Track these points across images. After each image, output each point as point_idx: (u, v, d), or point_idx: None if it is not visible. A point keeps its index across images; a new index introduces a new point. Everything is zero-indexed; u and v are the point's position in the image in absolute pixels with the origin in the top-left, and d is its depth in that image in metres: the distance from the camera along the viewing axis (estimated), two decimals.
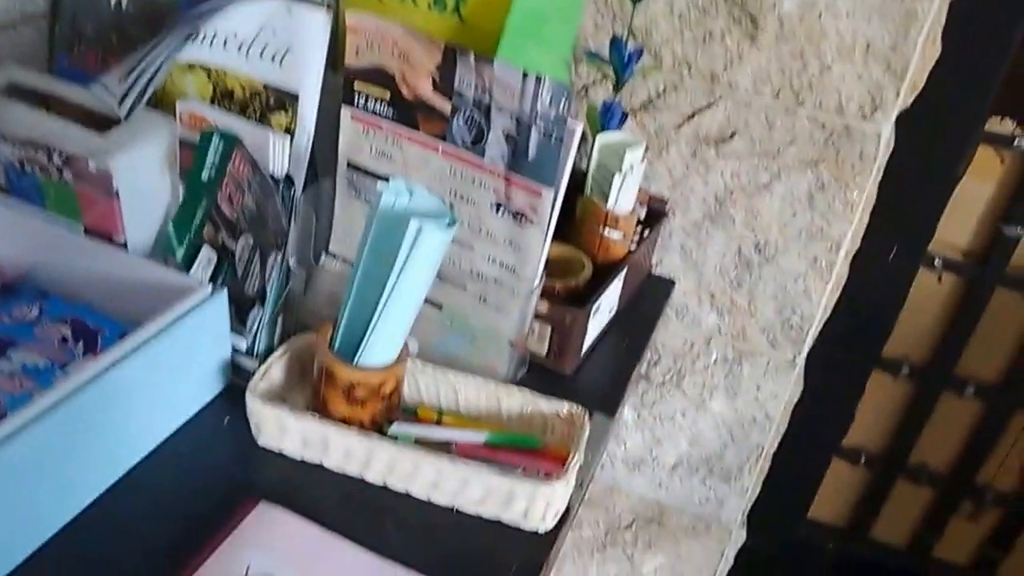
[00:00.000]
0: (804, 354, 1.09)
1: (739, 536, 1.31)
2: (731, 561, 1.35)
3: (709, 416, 1.17)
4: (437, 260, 0.64)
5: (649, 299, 1.03)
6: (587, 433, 0.68)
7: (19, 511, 0.56)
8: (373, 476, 0.67)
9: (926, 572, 1.42)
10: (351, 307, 0.66)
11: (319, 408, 0.69)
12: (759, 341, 1.09)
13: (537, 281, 0.74)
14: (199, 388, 0.71)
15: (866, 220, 1.01)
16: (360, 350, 0.66)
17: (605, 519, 1.34)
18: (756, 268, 1.04)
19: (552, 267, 0.79)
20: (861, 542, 1.45)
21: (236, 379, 0.74)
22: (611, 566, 1.38)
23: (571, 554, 1.39)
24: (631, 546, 1.34)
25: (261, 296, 0.72)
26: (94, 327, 0.70)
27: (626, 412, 1.22)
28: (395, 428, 0.70)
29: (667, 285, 1.07)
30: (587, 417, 0.70)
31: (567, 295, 0.83)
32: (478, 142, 0.71)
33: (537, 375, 0.80)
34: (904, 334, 1.20)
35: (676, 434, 1.21)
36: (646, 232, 0.98)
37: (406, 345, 0.69)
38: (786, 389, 1.12)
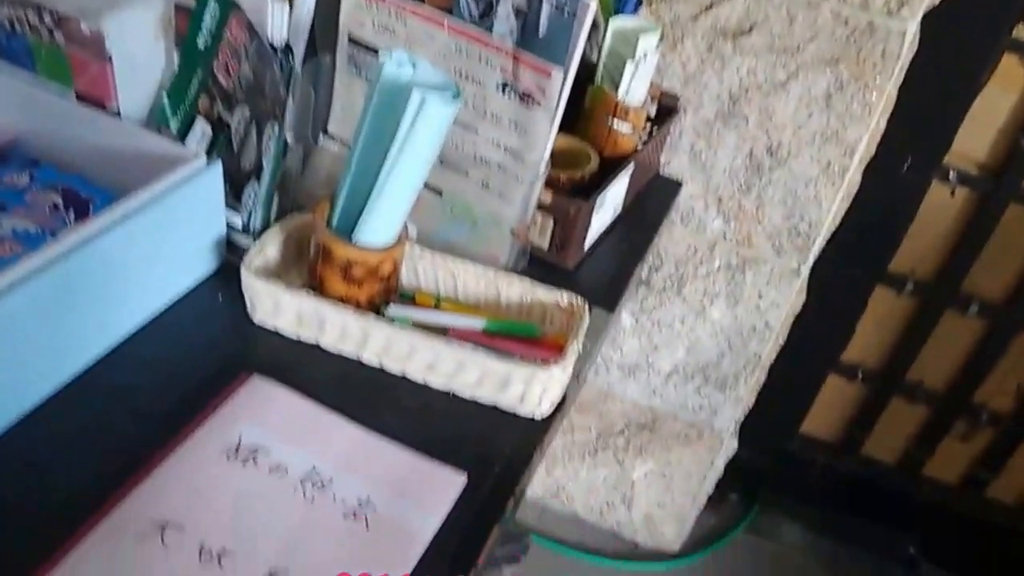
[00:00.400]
0: (809, 263, 1.10)
1: (730, 446, 1.35)
2: (720, 470, 1.39)
3: (708, 324, 1.19)
4: (440, 136, 0.64)
5: (655, 200, 1.03)
6: (586, 323, 0.70)
7: (9, 373, 0.57)
8: (369, 357, 0.69)
9: (915, 490, 1.47)
10: (350, 183, 0.67)
11: (316, 287, 0.70)
12: (764, 248, 1.10)
13: (543, 167, 0.74)
14: (193, 263, 0.72)
15: (883, 126, 1.00)
16: (358, 227, 0.66)
17: (597, 424, 1.38)
18: (766, 172, 1.04)
19: (557, 159, 0.79)
20: (851, 458, 1.49)
21: (231, 257, 0.75)
22: (601, 471, 1.43)
23: (562, 458, 1.44)
24: (622, 451, 1.39)
25: (257, 171, 0.72)
26: (85, 196, 0.71)
27: (624, 317, 1.24)
28: (392, 310, 0.71)
29: (674, 187, 1.07)
30: (587, 308, 0.71)
31: (571, 187, 0.84)
32: (486, 16, 0.69)
33: (537, 269, 0.81)
34: (911, 249, 1.21)
35: (674, 341, 1.23)
36: (655, 130, 0.97)
37: (406, 227, 0.70)
38: (788, 299, 1.13)
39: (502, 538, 1.37)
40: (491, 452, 0.64)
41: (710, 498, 1.45)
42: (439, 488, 0.60)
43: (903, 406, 1.39)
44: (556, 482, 1.48)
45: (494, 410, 0.68)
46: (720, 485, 1.44)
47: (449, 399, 0.68)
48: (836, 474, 1.51)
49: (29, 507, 0.54)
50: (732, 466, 1.41)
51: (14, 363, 0.57)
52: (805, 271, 1.11)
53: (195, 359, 0.67)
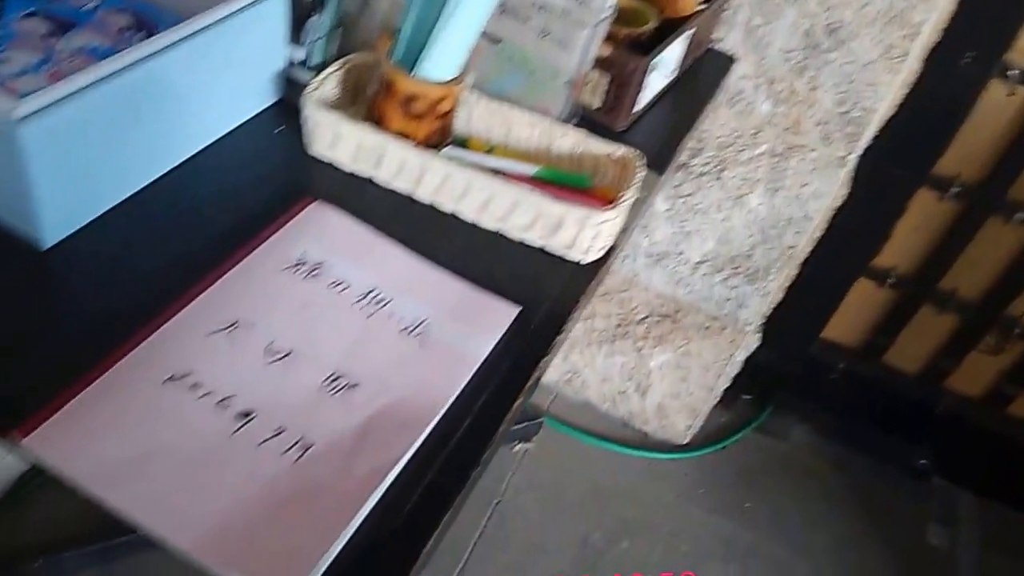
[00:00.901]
0: (856, 155, 1.13)
1: (752, 341, 1.40)
2: (739, 366, 1.45)
3: (745, 212, 1.23)
4: None
5: (706, 75, 1.05)
6: (642, 174, 0.73)
7: (78, 180, 0.61)
8: (422, 194, 0.73)
9: (934, 401, 1.53)
10: (415, 16, 0.69)
11: (375, 122, 0.73)
12: (812, 135, 1.12)
13: (606, 13, 0.76)
14: (253, 93, 0.76)
15: (951, 8, 1.01)
16: (421, 60, 0.69)
17: (619, 312, 1.43)
18: (823, 53, 1.05)
19: (618, 16, 0.81)
20: (872, 365, 1.55)
21: (290, 92, 0.78)
22: (618, 358, 1.49)
23: (580, 343, 1.49)
24: (641, 340, 1.44)
25: (319, 5, 0.74)
26: (152, 21, 0.73)
27: (657, 202, 1.28)
28: (447, 151, 0.75)
29: (726, 62, 1.09)
30: (642, 160, 0.75)
31: (630, 44, 0.86)
32: None
33: (587, 128, 0.84)
34: (960, 150, 1.24)
35: (706, 229, 1.27)
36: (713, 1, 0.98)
37: (466, 66, 0.73)
38: (831, 189, 1.16)
39: (516, 417, 1.44)
40: (538, 292, 0.69)
41: (723, 396, 1.51)
42: (492, 317, 0.65)
43: (932, 315, 1.44)
44: (572, 368, 1.54)
45: (542, 253, 0.72)
46: (735, 384, 1.50)
47: (498, 240, 0.72)
48: (855, 380, 1.57)
49: (102, 304, 0.59)
50: (749, 366, 1.46)
51: (84, 171, 0.61)
52: (852, 162, 1.13)
53: (256, 185, 0.71)
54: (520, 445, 1.49)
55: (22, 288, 0.59)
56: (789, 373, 1.59)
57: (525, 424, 1.49)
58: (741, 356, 1.42)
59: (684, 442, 1.56)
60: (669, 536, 1.43)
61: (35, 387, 0.52)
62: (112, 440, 0.51)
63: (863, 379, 1.56)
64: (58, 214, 0.61)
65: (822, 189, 1.16)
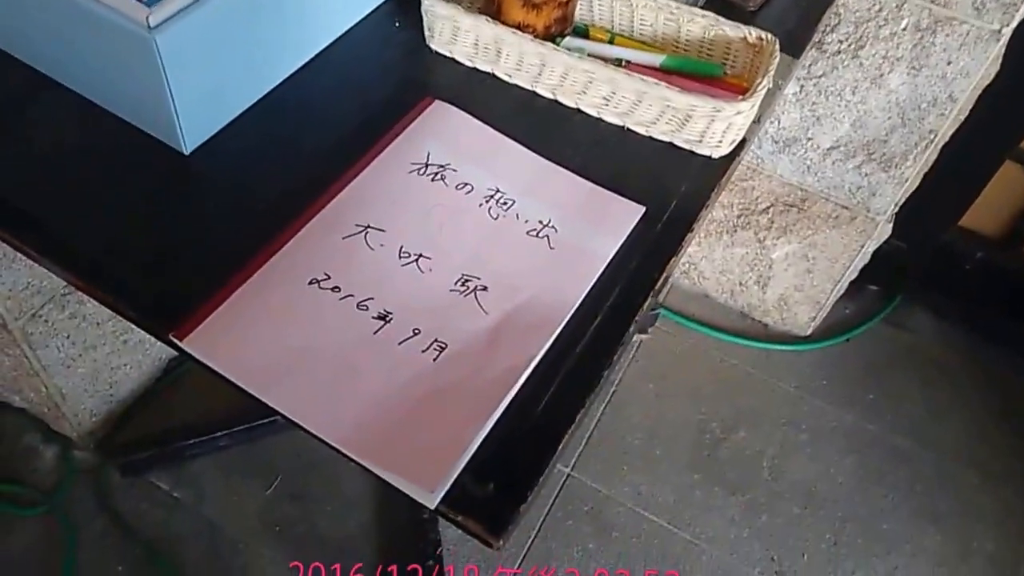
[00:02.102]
0: (1012, 26, 1.02)
1: (884, 232, 1.33)
2: (868, 257, 1.38)
3: (883, 93, 1.14)
4: None
5: None
6: (777, 59, 0.68)
7: (214, 83, 0.62)
8: (544, 89, 0.71)
9: None
10: None
11: (493, 14, 0.70)
12: (963, 5, 1.01)
13: None
14: None
15: None
16: None
17: (740, 201, 1.38)
18: None
19: None
20: (1013, 255, 1.45)
21: None
22: (739, 250, 1.44)
23: (698, 235, 1.45)
24: (764, 231, 1.39)
25: None
26: None
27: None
28: (568, 42, 0.71)
29: None
30: (777, 44, 0.69)
31: None
32: None
33: (716, 10, 0.78)
34: None
35: (840, 112, 1.19)
36: None
37: None
38: (980, 67, 1.06)
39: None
40: (666, 189, 0.66)
41: (848, 287, 1.45)
42: (618, 216, 0.63)
43: None
44: (689, 259, 1.51)
45: (670, 148, 0.69)
46: (861, 275, 1.43)
47: (624, 135, 0.70)
48: (992, 271, 1.47)
49: (243, 206, 0.61)
50: (877, 256, 1.39)
51: (219, 74, 0.62)
52: (1007, 34, 1.02)
53: (378, 82, 0.71)
54: (636, 336, 1.48)
55: (169, 194, 0.61)
56: (921, 263, 1.50)
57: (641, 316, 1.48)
58: (871, 247, 1.35)
59: (806, 334, 1.52)
60: (787, 426, 1.41)
61: (188, 289, 0.55)
62: (263, 340, 0.53)
63: (1001, 270, 1.47)
64: (197, 119, 0.62)
65: (970, 67, 1.06)
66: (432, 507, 0.48)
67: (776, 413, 1.42)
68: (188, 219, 0.60)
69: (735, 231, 1.42)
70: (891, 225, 1.33)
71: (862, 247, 1.34)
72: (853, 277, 1.42)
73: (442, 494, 0.48)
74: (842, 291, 1.44)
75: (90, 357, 1.16)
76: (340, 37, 0.73)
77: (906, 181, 1.23)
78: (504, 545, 0.49)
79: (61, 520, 1.18)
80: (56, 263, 0.56)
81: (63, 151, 0.63)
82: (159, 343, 1.26)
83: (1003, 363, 1.52)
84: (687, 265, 1.52)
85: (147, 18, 0.55)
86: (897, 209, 1.29)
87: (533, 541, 1.24)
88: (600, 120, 0.70)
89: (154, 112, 0.61)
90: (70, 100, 0.65)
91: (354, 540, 1.22)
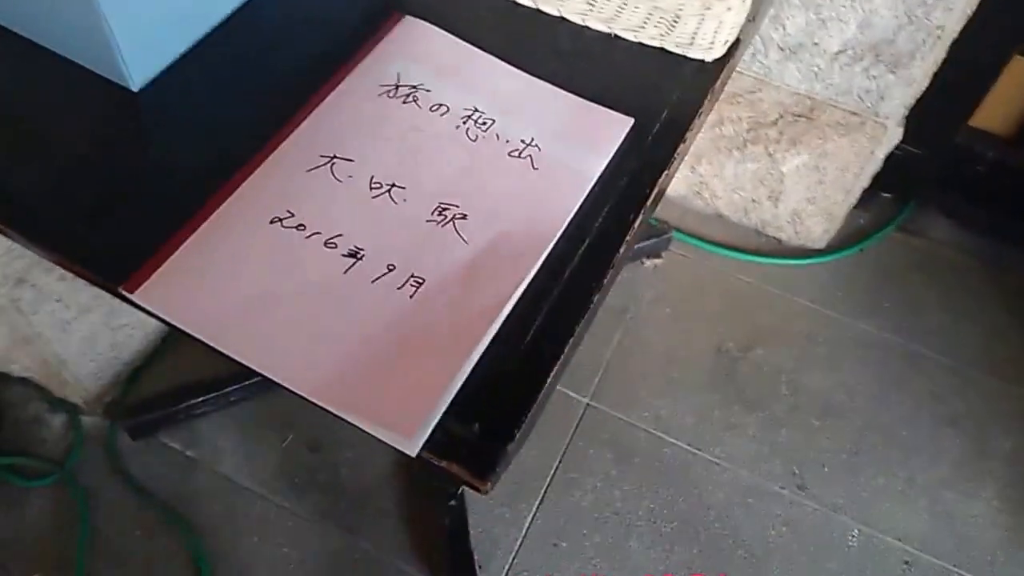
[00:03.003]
0: None
1: (894, 135, 1.26)
2: (879, 164, 1.31)
3: None
4: None
5: None
6: None
7: (157, 13, 0.56)
8: None
9: None
10: None
11: None
12: None
13: None
14: None
15: None
16: None
17: (749, 115, 1.30)
18: None
19: None
20: None
21: None
22: (749, 165, 1.37)
23: (708, 152, 1.39)
24: (774, 144, 1.32)
25: None
26: None
27: None
28: None
29: None
30: None
31: None
32: None
33: None
34: None
35: (846, 14, 1.11)
36: None
37: None
38: None
39: (644, 233, 1.38)
40: (658, 98, 0.60)
41: (861, 196, 1.38)
42: (605, 130, 0.57)
43: None
44: (700, 179, 1.44)
45: (660, 53, 0.63)
46: (873, 182, 1.36)
47: (611, 42, 0.63)
48: (1005, 171, 1.39)
49: (199, 146, 0.56)
50: (889, 162, 1.32)
51: (162, 3, 0.56)
52: None
53: (341, 2, 0.64)
54: (649, 261, 1.43)
55: (117, 135, 0.56)
56: (933, 166, 1.43)
57: (654, 240, 1.42)
58: (882, 152, 1.28)
59: (820, 247, 1.46)
60: (805, 340, 1.36)
61: (138, 237, 0.50)
62: (221, 287, 0.48)
63: (1014, 169, 1.39)
64: (143, 52, 0.57)
65: None
66: (413, 454, 0.44)
67: (793, 328, 1.37)
68: (137, 161, 0.55)
69: (745, 146, 1.35)
70: (901, 129, 1.25)
71: (873, 153, 1.27)
72: (865, 185, 1.35)
73: (423, 440, 0.44)
74: (855, 201, 1.38)
75: (87, 320, 1.13)
76: None
77: (915, 82, 1.15)
78: (492, 488, 0.44)
79: (73, 488, 1.16)
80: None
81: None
82: None
83: (1020, 265, 1.46)
84: (699, 185, 1.46)
85: None
86: (907, 112, 1.21)
87: (555, 473, 1.22)
88: (585, 28, 0.64)
89: (95, 48, 0.55)
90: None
91: (376, 486, 1.19)
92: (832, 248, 1.46)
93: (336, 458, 1.21)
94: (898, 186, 1.48)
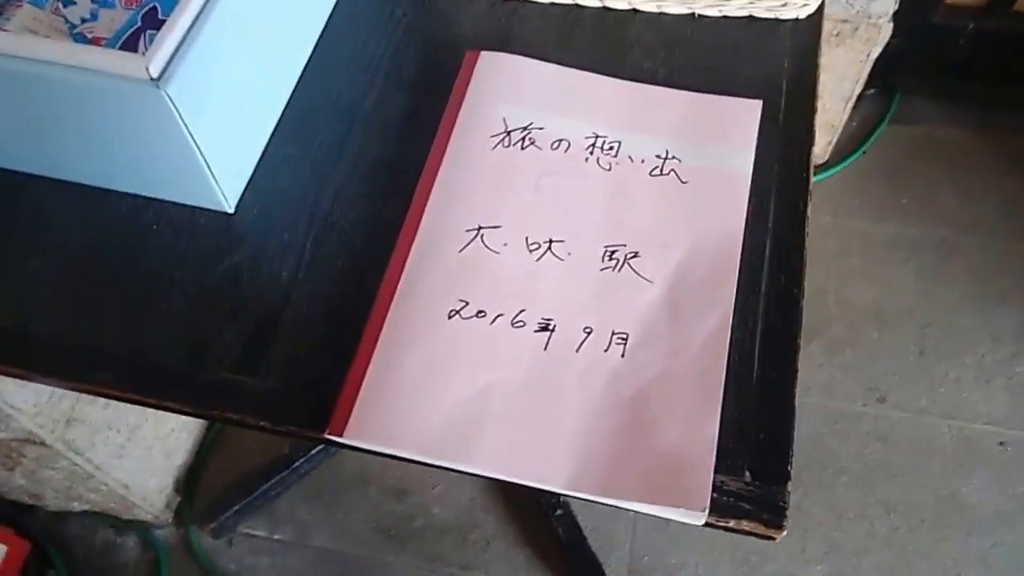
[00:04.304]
0: None
1: (886, 34, 1.24)
2: (871, 63, 1.30)
3: None
4: None
5: None
6: None
7: (229, 122, 0.51)
8: None
9: None
10: None
11: None
12: None
13: None
14: None
15: None
16: None
17: None
18: None
19: None
20: (1003, 17, 1.38)
21: None
22: None
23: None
24: None
25: None
26: None
27: None
28: None
29: None
30: None
31: None
32: None
33: None
34: None
35: None
36: None
37: None
38: None
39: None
40: (771, 70, 0.57)
41: None
42: (738, 120, 0.54)
43: None
44: None
45: (749, 22, 0.59)
46: (872, 78, 1.35)
47: (695, 24, 0.59)
48: (986, 36, 1.40)
49: (322, 251, 0.50)
50: (880, 56, 1.31)
51: (232, 108, 0.50)
52: None
53: (400, 52, 0.59)
54: None
55: (229, 266, 0.50)
56: (916, 52, 1.42)
57: None
58: (876, 52, 1.26)
59: (824, 161, 1.45)
60: (839, 256, 1.36)
61: (315, 373, 0.45)
62: (425, 401, 0.44)
63: (995, 34, 1.39)
64: (230, 166, 0.51)
65: None
66: (700, 524, 0.41)
67: (823, 247, 1.37)
68: (263, 291, 0.48)
69: None
70: (892, 25, 1.24)
71: (868, 56, 1.25)
72: (861, 90, 1.34)
73: (708, 506, 0.40)
74: (852, 106, 1.37)
75: (139, 437, 1.06)
76: (328, 19, 0.60)
77: None
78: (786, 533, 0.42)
79: None
80: (155, 399, 0.46)
81: (88, 254, 0.50)
82: None
83: (1018, 129, 1.47)
84: None
85: (147, 68, 0.43)
86: (897, 6, 1.20)
87: None
88: (662, 14, 0.59)
89: (180, 175, 0.49)
90: (60, 192, 0.52)
91: (472, 515, 1.16)
92: (835, 159, 1.45)
93: (424, 499, 1.17)
94: (879, 79, 1.47)
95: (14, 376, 0.48)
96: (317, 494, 1.18)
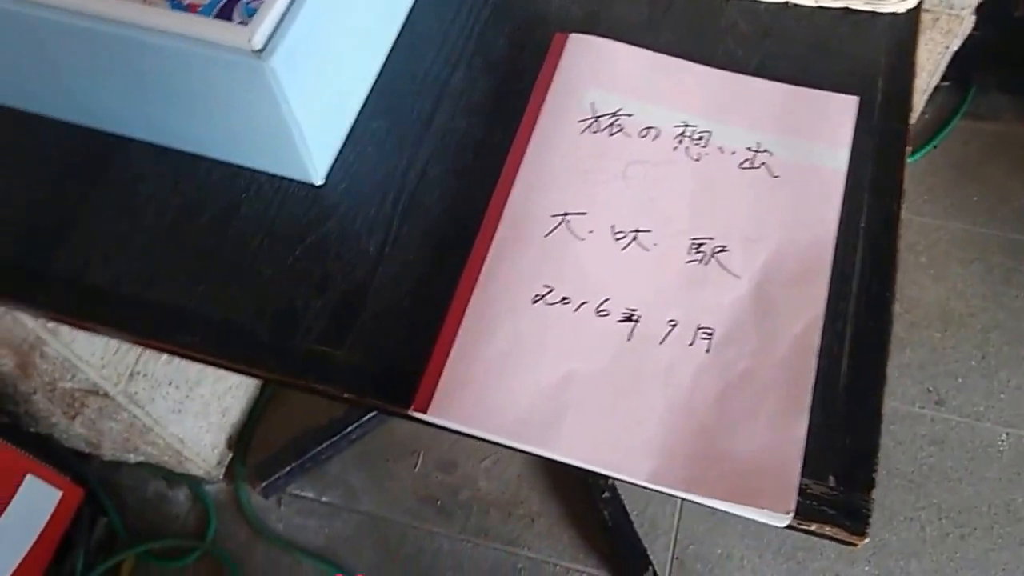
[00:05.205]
0: None
1: (968, 25, 1.20)
2: (950, 55, 1.26)
3: None
4: None
5: None
6: None
7: (325, 95, 0.51)
8: None
9: None
10: None
11: None
12: None
13: None
14: None
15: None
16: None
17: None
18: None
19: None
20: None
21: None
22: None
23: None
24: None
25: None
26: None
27: None
28: None
29: None
30: None
31: None
32: None
33: None
34: None
35: None
36: None
37: None
38: None
39: None
40: (867, 66, 0.56)
41: None
42: (833, 116, 0.53)
43: None
44: None
45: (846, 15, 0.58)
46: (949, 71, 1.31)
47: (787, 12, 0.58)
48: None
49: (407, 226, 0.51)
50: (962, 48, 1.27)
51: (328, 81, 0.51)
52: None
53: (486, 32, 0.59)
54: None
55: (319, 238, 0.51)
56: (994, 44, 1.38)
57: None
58: (956, 44, 1.23)
59: None
60: (905, 252, 1.33)
61: (398, 349, 0.46)
62: (508, 384, 0.44)
63: None
64: (321, 138, 0.51)
65: None
66: (783, 525, 0.41)
67: None
68: (350, 264, 0.49)
69: None
70: (974, 17, 1.20)
71: (948, 48, 1.22)
72: (938, 82, 1.30)
73: (793, 508, 0.40)
74: (928, 97, 1.33)
75: (197, 394, 1.09)
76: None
77: None
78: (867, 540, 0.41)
79: (222, 559, 1.13)
80: (242, 365, 0.47)
81: (178, 218, 0.52)
82: None
83: None
84: None
85: (251, 40, 0.43)
86: None
87: None
88: (756, 2, 0.58)
89: (273, 145, 0.50)
90: (155, 156, 0.54)
91: (518, 492, 1.17)
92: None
93: (473, 472, 1.19)
94: (956, 73, 1.43)
95: (103, 333, 0.50)
96: (367, 460, 1.20)
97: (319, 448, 1.17)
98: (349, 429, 1.18)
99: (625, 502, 1.13)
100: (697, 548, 1.12)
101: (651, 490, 0.42)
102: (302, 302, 0.48)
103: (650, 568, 1.08)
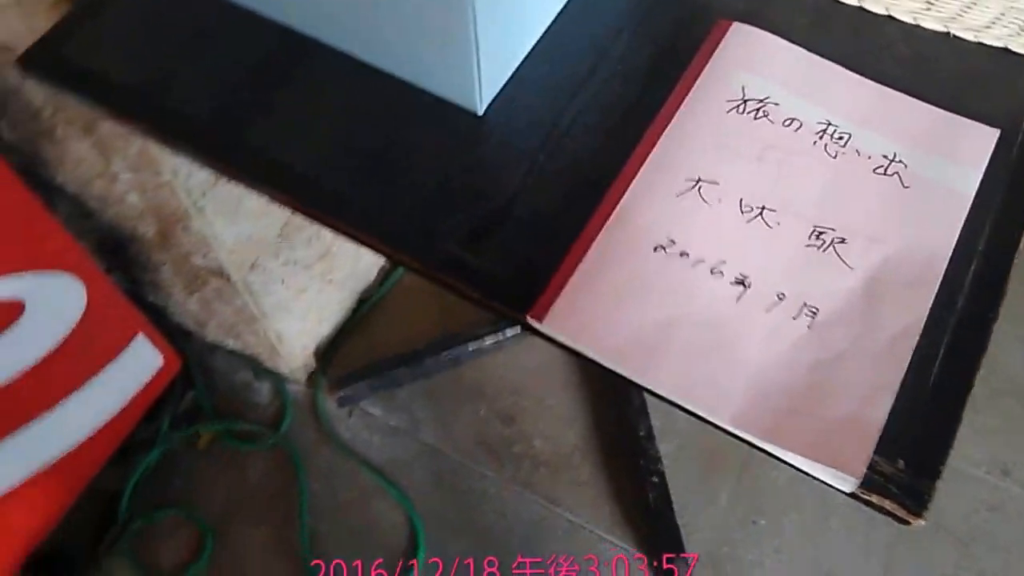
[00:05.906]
0: None
1: None
2: None
3: None
4: None
5: None
6: None
7: (506, 27, 0.56)
8: None
9: None
10: None
11: None
12: None
13: None
14: None
15: None
16: None
17: None
18: None
19: None
20: None
21: None
22: None
23: None
24: None
25: None
26: None
27: None
28: None
29: None
30: None
31: None
32: None
33: None
34: None
35: None
36: None
37: None
38: None
39: None
40: (1013, 104, 0.57)
41: None
42: (972, 143, 0.55)
43: None
44: None
45: (1003, 53, 0.59)
46: None
47: (946, 43, 0.60)
48: None
49: (555, 165, 0.55)
50: None
51: (513, 13, 0.55)
52: None
53: (655, 7, 0.62)
54: None
55: (474, 163, 0.56)
56: None
57: None
58: None
59: None
60: (1005, 321, 1.31)
61: (526, 265, 0.50)
62: (619, 315, 0.48)
63: None
64: (492, 71, 0.56)
65: None
66: (848, 491, 0.44)
67: None
68: (496, 187, 0.54)
69: None
70: None
71: None
72: None
73: (861, 477, 0.43)
74: None
75: (302, 299, 1.16)
76: None
77: None
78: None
79: (291, 452, 1.21)
80: (392, 251, 0.52)
81: (353, 120, 0.57)
82: (355, 279, 1.24)
83: None
84: None
85: None
86: None
87: (752, 449, 1.21)
88: (916, 27, 0.60)
89: (447, 69, 0.55)
90: (334, 61, 0.59)
91: (571, 457, 1.22)
92: None
93: (530, 430, 1.23)
94: None
95: (280, 201, 0.55)
96: (435, 396, 1.26)
97: (394, 372, 1.24)
98: (425, 363, 1.24)
99: (672, 494, 1.16)
100: (730, 551, 1.15)
101: (731, 435, 0.45)
102: (449, 211, 0.53)
103: (681, 556, 1.11)
